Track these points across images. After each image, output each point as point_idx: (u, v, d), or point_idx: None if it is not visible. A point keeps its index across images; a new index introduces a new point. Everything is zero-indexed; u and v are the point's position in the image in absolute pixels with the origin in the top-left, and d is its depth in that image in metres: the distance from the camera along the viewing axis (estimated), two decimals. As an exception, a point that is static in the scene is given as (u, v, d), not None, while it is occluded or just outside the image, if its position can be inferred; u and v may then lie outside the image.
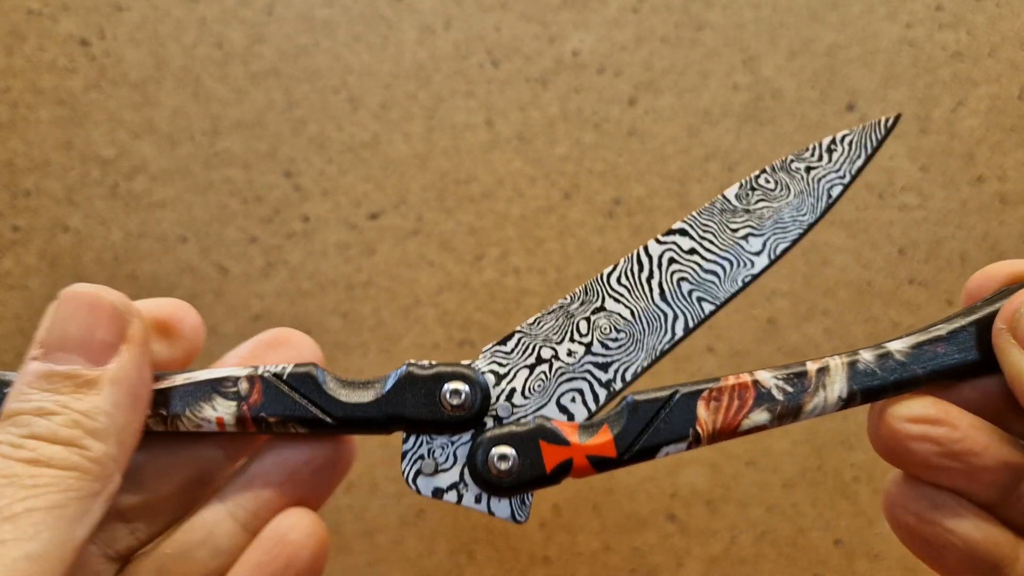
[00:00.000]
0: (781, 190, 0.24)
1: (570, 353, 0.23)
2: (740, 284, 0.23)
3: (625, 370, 0.23)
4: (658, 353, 0.23)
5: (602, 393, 0.23)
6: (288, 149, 0.44)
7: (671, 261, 0.23)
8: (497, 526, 0.44)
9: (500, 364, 0.23)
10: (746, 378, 0.22)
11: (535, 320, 0.23)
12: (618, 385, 0.23)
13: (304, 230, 0.44)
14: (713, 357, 0.45)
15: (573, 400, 0.23)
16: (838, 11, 0.45)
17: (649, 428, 0.21)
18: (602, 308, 0.23)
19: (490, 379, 0.23)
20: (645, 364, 0.23)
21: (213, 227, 0.44)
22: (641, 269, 0.23)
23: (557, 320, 0.23)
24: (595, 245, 0.44)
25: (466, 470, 0.23)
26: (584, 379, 0.23)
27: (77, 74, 0.44)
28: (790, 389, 0.22)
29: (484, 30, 0.45)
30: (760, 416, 0.21)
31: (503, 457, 0.22)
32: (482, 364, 0.23)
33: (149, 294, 0.45)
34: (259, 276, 0.44)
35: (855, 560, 0.45)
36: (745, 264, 0.24)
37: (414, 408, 0.22)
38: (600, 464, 0.21)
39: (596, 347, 0.23)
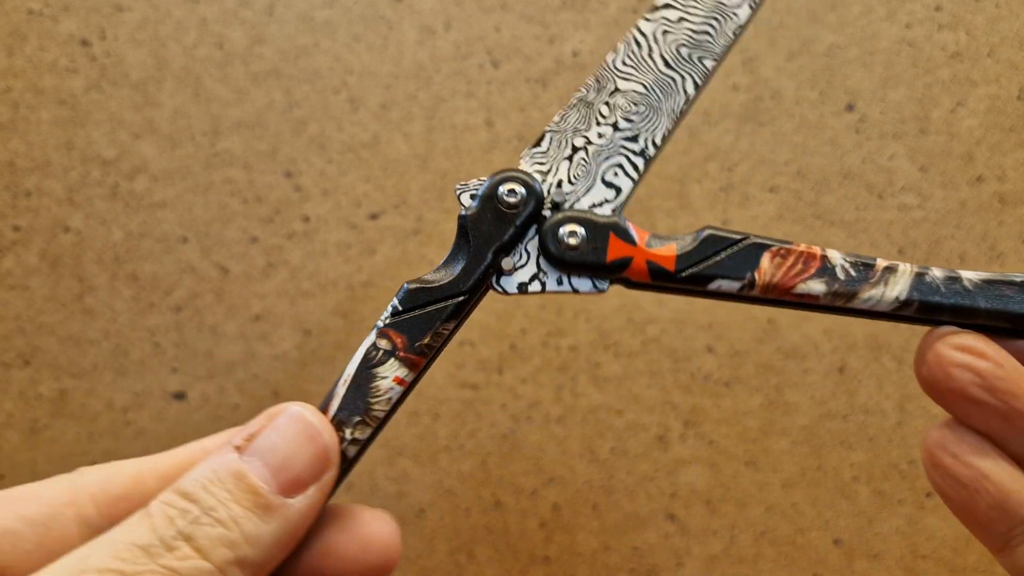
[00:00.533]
0: None
1: (600, 135, 0.24)
2: (732, 36, 0.25)
3: (653, 137, 0.25)
4: (678, 113, 0.25)
5: (639, 161, 0.25)
6: (288, 149, 0.44)
7: (664, 33, 0.25)
8: (497, 525, 0.44)
9: (541, 164, 0.24)
10: (816, 250, 0.23)
11: (560, 117, 0.24)
12: (651, 151, 0.24)
13: (305, 230, 0.44)
14: (713, 357, 0.45)
15: (616, 174, 0.24)
16: (837, 12, 0.45)
17: (713, 257, 0.23)
18: (616, 90, 0.24)
19: (536, 177, 0.24)
20: (669, 127, 0.24)
21: (214, 227, 0.44)
22: (640, 47, 0.25)
23: (579, 112, 0.25)
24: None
25: (541, 259, 0.24)
26: (620, 154, 0.24)
27: (78, 74, 0.44)
28: (853, 273, 0.23)
29: (484, 31, 0.45)
30: (817, 286, 0.23)
31: (572, 234, 0.23)
32: (526, 166, 0.25)
33: (150, 294, 0.45)
34: (260, 276, 0.44)
35: (855, 560, 0.45)
36: (730, 18, 0.25)
37: (489, 227, 0.24)
38: (656, 273, 0.23)
39: (622, 124, 0.24)
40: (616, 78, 0.25)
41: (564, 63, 0.45)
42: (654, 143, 0.25)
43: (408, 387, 0.24)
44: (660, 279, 0.23)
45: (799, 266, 0.23)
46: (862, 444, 0.45)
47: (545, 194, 0.24)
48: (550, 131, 0.25)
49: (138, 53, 0.44)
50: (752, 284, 0.23)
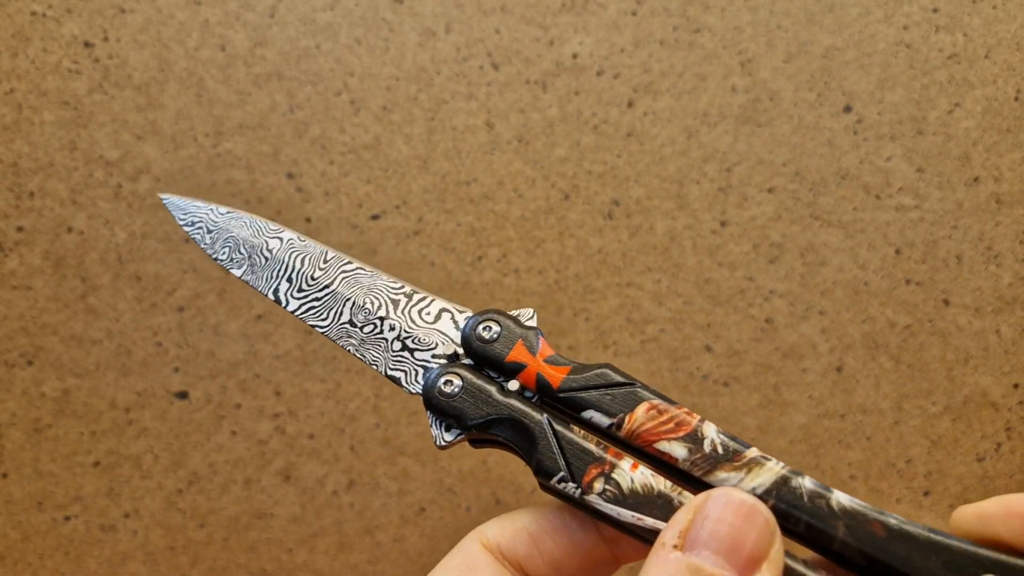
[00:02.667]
0: None
1: (391, 328, 0.28)
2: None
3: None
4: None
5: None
6: (290, 151, 0.44)
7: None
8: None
9: (399, 369, 0.27)
10: (694, 418, 0.24)
11: (367, 361, 0.28)
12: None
13: (307, 231, 0.44)
14: (711, 356, 0.45)
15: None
16: (835, 14, 0.45)
17: (595, 390, 0.25)
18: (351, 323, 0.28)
19: (401, 376, 0.27)
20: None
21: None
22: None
23: (371, 345, 0.28)
24: (594, 246, 0.44)
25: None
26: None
27: (81, 76, 0.44)
28: (720, 451, 0.24)
29: (484, 33, 0.45)
30: (678, 449, 0.24)
31: (488, 328, 0.26)
32: (396, 374, 0.27)
33: (153, 294, 0.45)
34: (261, 276, 0.44)
35: (852, 558, 0.45)
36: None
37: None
38: (541, 385, 0.25)
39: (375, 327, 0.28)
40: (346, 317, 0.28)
41: (564, 65, 0.45)
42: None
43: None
44: (543, 393, 0.25)
45: (670, 425, 0.24)
46: (859, 443, 0.45)
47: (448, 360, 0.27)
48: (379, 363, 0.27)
49: (141, 55, 0.44)
50: (620, 425, 0.24)
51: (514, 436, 0.25)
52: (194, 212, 0.30)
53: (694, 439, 0.23)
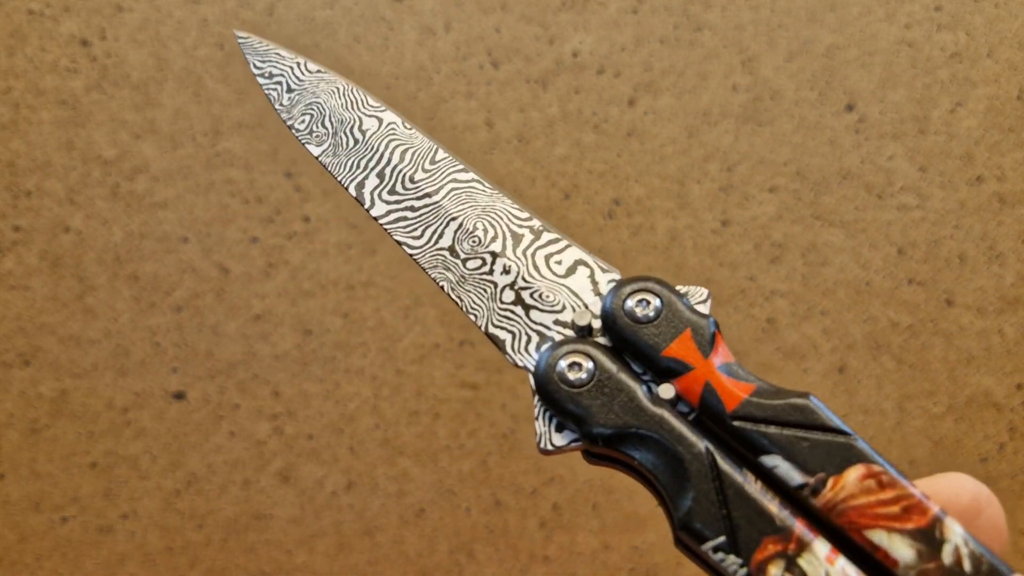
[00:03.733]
0: None
1: (505, 271, 0.21)
2: None
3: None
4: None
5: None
6: (289, 150, 0.44)
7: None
8: (497, 525, 0.44)
9: (506, 328, 0.21)
10: (933, 509, 0.17)
11: (463, 307, 0.22)
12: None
13: (305, 230, 0.44)
14: (712, 357, 0.45)
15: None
16: (836, 12, 0.45)
17: (789, 428, 0.18)
18: (456, 251, 0.22)
19: (507, 338, 0.21)
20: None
21: (214, 227, 0.44)
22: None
23: (473, 287, 0.22)
24: (595, 245, 0.44)
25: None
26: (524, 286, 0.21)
27: (79, 75, 0.44)
28: (966, 569, 0.17)
29: (484, 31, 0.45)
30: (901, 548, 0.17)
31: (644, 303, 0.19)
32: (500, 333, 0.21)
33: (150, 294, 0.45)
34: (260, 276, 0.44)
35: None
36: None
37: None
38: (708, 403, 0.18)
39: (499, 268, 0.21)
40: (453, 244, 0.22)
41: (564, 63, 0.45)
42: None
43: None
44: (708, 413, 0.18)
45: (894, 508, 0.17)
46: (861, 444, 0.45)
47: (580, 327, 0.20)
48: (474, 314, 0.21)
49: (139, 54, 0.44)
50: (818, 490, 0.17)
51: (657, 465, 0.18)
52: (275, 62, 0.24)
53: (929, 539, 0.16)
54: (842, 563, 0.17)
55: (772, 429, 0.18)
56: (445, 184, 0.22)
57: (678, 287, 0.20)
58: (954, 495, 0.18)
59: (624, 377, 0.19)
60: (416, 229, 0.22)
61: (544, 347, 0.20)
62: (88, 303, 0.44)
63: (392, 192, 0.22)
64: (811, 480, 0.17)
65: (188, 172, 0.44)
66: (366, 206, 0.22)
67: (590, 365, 0.19)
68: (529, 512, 0.44)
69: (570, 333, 0.20)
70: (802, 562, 0.17)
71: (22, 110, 0.44)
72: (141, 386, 0.44)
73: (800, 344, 0.45)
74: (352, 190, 0.23)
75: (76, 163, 0.44)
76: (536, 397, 0.19)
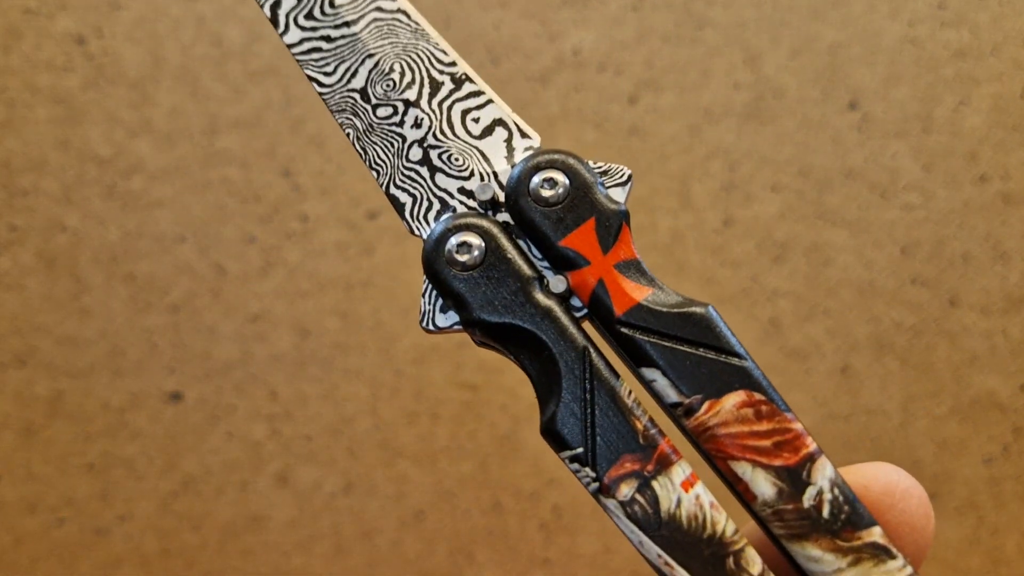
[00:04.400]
0: None
1: (416, 125, 0.19)
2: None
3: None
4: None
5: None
6: (287, 148, 0.44)
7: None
8: (497, 527, 0.44)
9: (408, 191, 0.19)
10: (809, 446, 0.16)
11: (367, 161, 0.19)
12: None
13: (303, 230, 0.44)
14: (714, 357, 0.45)
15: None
16: (840, 9, 0.45)
17: (677, 343, 0.17)
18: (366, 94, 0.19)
19: (407, 202, 0.19)
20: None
21: (211, 227, 0.44)
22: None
23: (380, 139, 0.19)
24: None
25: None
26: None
27: (74, 73, 0.44)
28: (824, 514, 0.16)
29: (484, 28, 0.45)
30: (762, 483, 0.16)
31: (550, 182, 0.17)
32: (401, 196, 0.19)
33: (147, 294, 0.45)
34: (258, 276, 0.44)
35: (857, 562, 0.45)
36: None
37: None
38: (597, 301, 0.17)
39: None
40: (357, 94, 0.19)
41: (564, 61, 0.45)
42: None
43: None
44: (594, 313, 0.17)
45: (766, 441, 0.16)
46: (865, 445, 0.45)
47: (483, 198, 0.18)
48: (384, 176, 0.19)
49: (135, 51, 0.44)
50: (691, 411, 0.16)
51: (532, 362, 0.17)
52: None
53: (794, 479, 0.16)
54: (698, 490, 0.16)
55: (658, 340, 0.17)
56: (368, 13, 0.19)
57: (599, 163, 0.18)
58: (863, 486, 0.17)
59: (515, 264, 0.17)
60: (329, 64, 0.19)
61: (441, 219, 0.18)
62: (84, 303, 0.44)
63: (309, 16, 0.19)
64: (686, 400, 0.16)
65: (185, 171, 0.44)
66: (280, 29, 0.19)
67: (480, 246, 0.17)
68: (529, 514, 0.44)
69: (471, 205, 0.18)
70: (656, 485, 0.16)
71: (17, 108, 0.44)
72: (137, 387, 0.44)
73: (803, 344, 0.45)
74: (267, 9, 0.20)
75: (72, 162, 0.44)
76: (424, 275, 0.17)
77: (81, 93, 0.44)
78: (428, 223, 0.18)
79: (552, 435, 0.17)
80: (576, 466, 0.16)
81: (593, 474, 0.16)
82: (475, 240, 0.17)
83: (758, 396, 0.16)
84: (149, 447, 0.44)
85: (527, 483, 0.45)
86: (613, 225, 0.17)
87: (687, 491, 0.16)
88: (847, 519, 0.16)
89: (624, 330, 0.17)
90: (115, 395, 0.44)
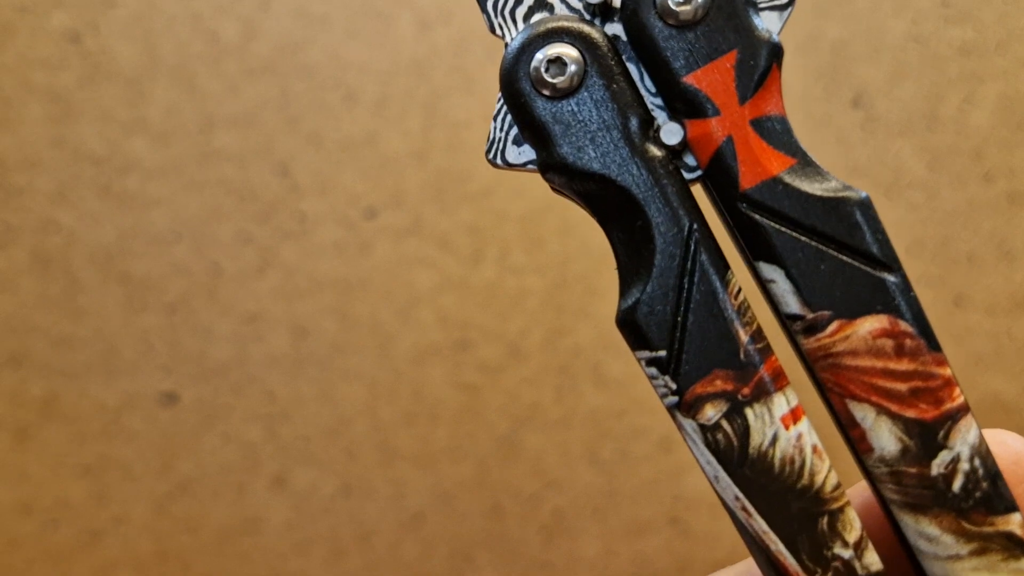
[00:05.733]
0: None
1: None
2: None
3: None
4: None
5: None
6: (283, 146, 0.44)
7: None
8: (497, 530, 0.44)
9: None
10: (955, 400, 0.13)
11: None
12: None
13: (300, 229, 0.44)
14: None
15: None
16: (844, 7, 0.45)
17: (813, 236, 0.13)
18: None
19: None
20: None
21: (207, 226, 0.44)
22: None
23: None
24: (596, 244, 0.44)
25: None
26: None
27: (69, 70, 0.44)
28: (956, 487, 0.13)
29: (483, 25, 0.44)
30: (885, 435, 0.13)
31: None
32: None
33: (142, 294, 0.45)
34: (254, 275, 0.44)
35: (861, 565, 0.45)
36: None
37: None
38: (720, 164, 0.13)
39: None
40: None
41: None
42: None
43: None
44: (712, 180, 0.13)
45: (901, 385, 0.13)
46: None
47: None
48: None
49: (130, 48, 0.44)
50: (813, 328, 0.13)
51: (618, 229, 0.13)
52: None
53: (926, 438, 0.13)
54: (802, 428, 0.13)
55: (789, 230, 0.13)
56: None
57: None
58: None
59: (619, 96, 0.13)
60: None
61: (532, 20, 0.14)
62: (79, 303, 0.44)
63: None
64: (811, 314, 0.13)
65: (180, 169, 0.44)
66: None
67: (579, 64, 0.13)
68: (529, 517, 0.44)
69: (578, 6, 0.14)
70: (749, 413, 0.13)
71: (11, 106, 0.44)
72: (133, 388, 0.44)
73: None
74: None
75: (67, 160, 0.44)
76: (501, 93, 0.14)
77: (76, 91, 0.44)
78: (515, 23, 0.14)
79: (630, 327, 0.13)
80: (654, 371, 0.13)
81: (674, 385, 0.13)
82: (572, 54, 0.13)
83: (904, 326, 0.13)
84: (145, 448, 0.44)
85: (527, 485, 0.44)
86: (760, 64, 0.13)
87: (787, 428, 0.13)
88: (982, 498, 0.12)
89: (747, 209, 0.13)
90: (110, 396, 0.44)
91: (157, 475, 0.44)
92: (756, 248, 0.13)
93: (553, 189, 0.15)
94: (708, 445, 0.13)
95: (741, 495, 0.13)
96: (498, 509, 0.44)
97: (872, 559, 0.13)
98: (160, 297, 0.44)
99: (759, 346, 0.13)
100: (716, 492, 0.13)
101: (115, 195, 0.44)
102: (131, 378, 0.44)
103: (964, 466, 0.13)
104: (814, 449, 0.13)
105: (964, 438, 0.13)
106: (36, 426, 0.44)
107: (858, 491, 0.15)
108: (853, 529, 0.13)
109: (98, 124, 0.44)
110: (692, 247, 0.13)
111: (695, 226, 0.13)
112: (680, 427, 0.13)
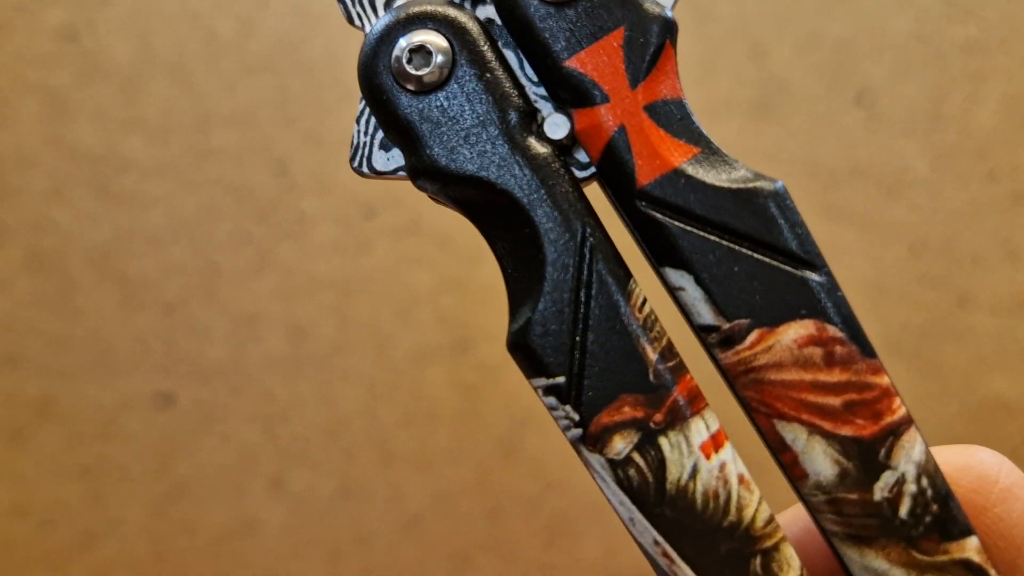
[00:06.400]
0: None
1: None
2: None
3: None
4: None
5: None
6: (282, 145, 0.44)
7: None
8: (497, 532, 0.44)
9: None
10: (896, 413, 0.12)
11: None
12: None
13: (299, 228, 0.44)
14: (718, 358, 0.45)
15: None
16: (846, 4, 0.45)
17: (725, 235, 0.11)
18: None
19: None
20: None
21: (205, 225, 0.44)
22: None
23: None
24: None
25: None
26: None
27: (65, 68, 0.43)
28: (904, 513, 0.12)
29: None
30: (820, 458, 0.12)
31: None
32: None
33: (139, 294, 0.44)
34: (252, 275, 0.44)
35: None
36: None
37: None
38: (613, 160, 0.11)
39: None
40: None
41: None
42: None
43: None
44: (605, 177, 0.12)
45: (833, 399, 0.11)
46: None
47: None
48: None
49: (127, 46, 0.44)
50: (730, 341, 0.11)
51: (503, 239, 0.12)
52: None
53: (867, 457, 0.11)
54: (725, 457, 0.11)
55: (697, 229, 0.11)
56: None
57: None
58: (951, 474, 0.13)
59: (496, 87, 0.11)
60: None
61: (393, 6, 0.12)
62: (76, 303, 0.44)
63: None
64: (726, 325, 0.11)
65: (178, 168, 0.44)
66: None
67: (446, 53, 0.11)
68: (530, 518, 0.44)
69: None
70: (664, 443, 0.11)
71: (7, 104, 0.44)
72: (130, 388, 0.44)
73: (808, 345, 0.45)
74: None
75: (63, 159, 0.44)
76: (362, 92, 0.12)
77: (73, 89, 0.44)
78: (375, 11, 0.12)
79: (523, 352, 0.11)
80: (552, 400, 0.11)
81: (576, 416, 0.11)
82: (438, 42, 0.11)
83: (833, 331, 0.11)
84: (141, 450, 0.44)
85: (528, 486, 0.44)
86: (652, 41, 0.11)
87: (708, 457, 0.11)
88: (933, 523, 0.11)
89: (647, 208, 0.12)
90: (107, 397, 0.44)
91: (154, 476, 0.44)
92: (660, 252, 0.12)
93: (431, 199, 0.13)
94: (620, 483, 0.11)
95: (661, 539, 0.11)
96: (498, 510, 0.44)
97: None
98: (157, 297, 0.44)
99: (670, 364, 0.12)
100: (633, 537, 0.12)
101: (112, 194, 0.44)
102: (128, 379, 0.44)
103: (911, 487, 0.11)
104: (740, 479, 0.11)
105: (908, 455, 0.11)
106: (32, 427, 0.44)
107: (795, 518, 0.14)
108: (791, 568, 0.11)
109: (95, 123, 0.44)
110: (587, 255, 0.11)
111: (588, 231, 0.11)
112: (587, 464, 0.11)
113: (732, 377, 0.12)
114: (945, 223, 0.45)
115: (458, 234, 0.44)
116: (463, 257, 0.44)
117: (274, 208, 0.44)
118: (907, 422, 0.12)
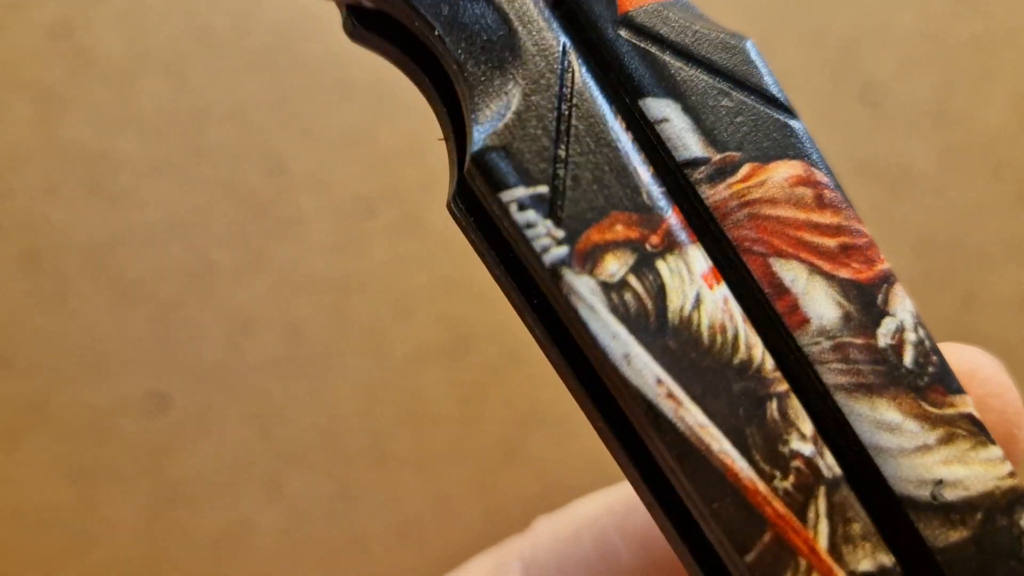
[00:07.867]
0: None
1: None
2: None
3: None
4: None
5: None
6: (279, 143, 0.44)
7: None
8: (497, 533, 0.44)
9: None
10: (881, 263, 0.11)
11: None
12: None
13: (296, 227, 0.44)
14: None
15: None
16: (851, 0, 0.45)
17: (703, 70, 0.11)
18: None
19: None
20: None
21: (201, 224, 0.44)
22: None
23: None
24: (598, 243, 0.44)
25: None
26: None
27: (59, 67, 0.43)
28: (906, 362, 0.11)
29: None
30: (821, 300, 0.11)
31: None
32: None
33: (135, 294, 0.44)
34: (249, 275, 0.44)
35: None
36: None
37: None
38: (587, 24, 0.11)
39: None
40: None
41: (566, 53, 0.44)
42: None
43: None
44: (580, 4, 0.11)
45: (829, 241, 0.11)
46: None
47: None
48: None
49: (121, 44, 0.44)
50: (721, 174, 0.10)
51: (468, 39, 0.11)
52: None
53: (867, 301, 0.11)
54: (726, 291, 0.10)
55: (679, 60, 0.11)
56: None
57: None
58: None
59: None
60: None
61: None
62: (69, 304, 0.44)
63: None
64: (717, 156, 0.10)
65: (173, 166, 0.44)
66: None
67: None
68: (530, 520, 0.44)
69: None
70: (663, 267, 0.10)
71: (0, 102, 0.44)
72: (125, 390, 0.44)
73: (812, 346, 0.45)
74: None
75: (57, 157, 0.44)
76: None
77: (66, 88, 0.43)
78: None
79: (496, 155, 0.10)
80: (530, 216, 0.10)
81: (560, 233, 0.10)
82: None
83: (820, 176, 0.11)
84: (136, 451, 0.44)
85: (528, 488, 0.44)
86: None
87: (711, 288, 0.10)
88: (936, 374, 0.10)
89: (629, 35, 0.11)
90: (101, 398, 0.44)
91: (149, 478, 0.44)
92: (640, 82, 0.11)
93: (356, 33, 0.11)
94: (615, 310, 0.10)
95: (665, 376, 0.10)
96: (498, 512, 0.44)
97: (833, 461, 0.10)
98: (152, 297, 0.44)
99: (662, 188, 0.10)
100: (622, 385, 0.10)
101: (106, 192, 0.44)
102: (122, 380, 0.44)
103: (911, 336, 0.11)
104: (745, 319, 0.10)
105: (903, 304, 0.11)
106: (25, 429, 0.44)
107: (631, 498, 0.13)
108: (806, 420, 0.10)
109: (89, 120, 0.44)
110: (568, 63, 0.10)
111: (568, 43, 0.10)
112: (569, 293, 0.10)
113: (721, 217, 0.11)
114: (950, 222, 0.44)
115: (458, 233, 0.44)
116: (463, 257, 0.44)
117: (271, 206, 0.44)
118: (894, 275, 0.11)
